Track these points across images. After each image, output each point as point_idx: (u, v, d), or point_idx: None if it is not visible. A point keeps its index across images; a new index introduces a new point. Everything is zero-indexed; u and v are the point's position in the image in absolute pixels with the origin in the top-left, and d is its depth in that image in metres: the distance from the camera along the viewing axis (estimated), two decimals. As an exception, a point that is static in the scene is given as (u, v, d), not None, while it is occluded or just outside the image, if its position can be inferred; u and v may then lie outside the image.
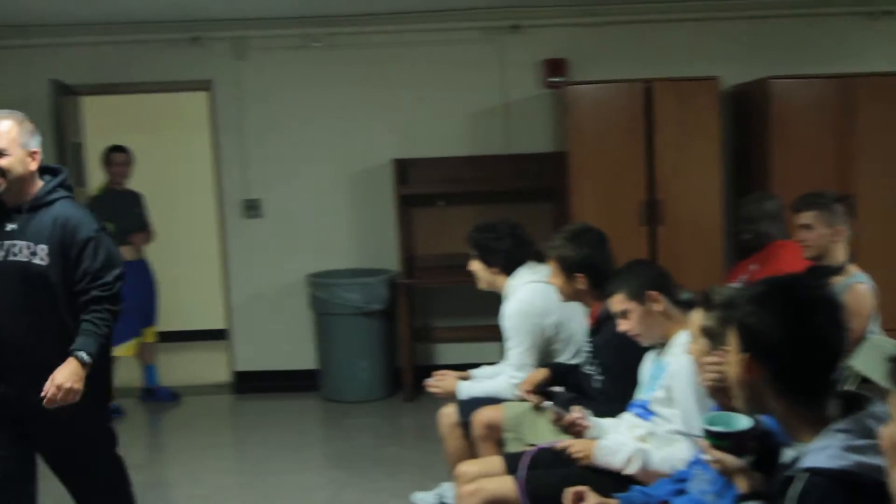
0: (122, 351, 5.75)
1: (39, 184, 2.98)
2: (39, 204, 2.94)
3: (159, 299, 6.08)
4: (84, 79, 5.95)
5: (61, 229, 2.90)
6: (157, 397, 6.06)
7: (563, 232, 3.35)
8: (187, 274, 7.45)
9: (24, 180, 2.91)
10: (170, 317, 6.66)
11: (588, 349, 3.24)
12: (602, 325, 3.10)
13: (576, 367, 3.44)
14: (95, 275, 2.91)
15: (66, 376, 2.85)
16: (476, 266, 3.73)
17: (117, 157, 5.85)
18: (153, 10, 5.59)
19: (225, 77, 6.05)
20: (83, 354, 2.87)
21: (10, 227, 2.91)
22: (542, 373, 3.44)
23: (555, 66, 5.93)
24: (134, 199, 5.94)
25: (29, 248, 2.88)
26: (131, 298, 5.70)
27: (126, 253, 5.72)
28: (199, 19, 5.88)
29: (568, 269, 3.22)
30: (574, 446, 2.71)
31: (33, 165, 2.94)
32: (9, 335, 2.90)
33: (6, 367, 2.94)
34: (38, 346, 2.91)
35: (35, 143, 2.96)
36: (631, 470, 2.59)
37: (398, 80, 6.05)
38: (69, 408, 2.87)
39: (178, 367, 6.78)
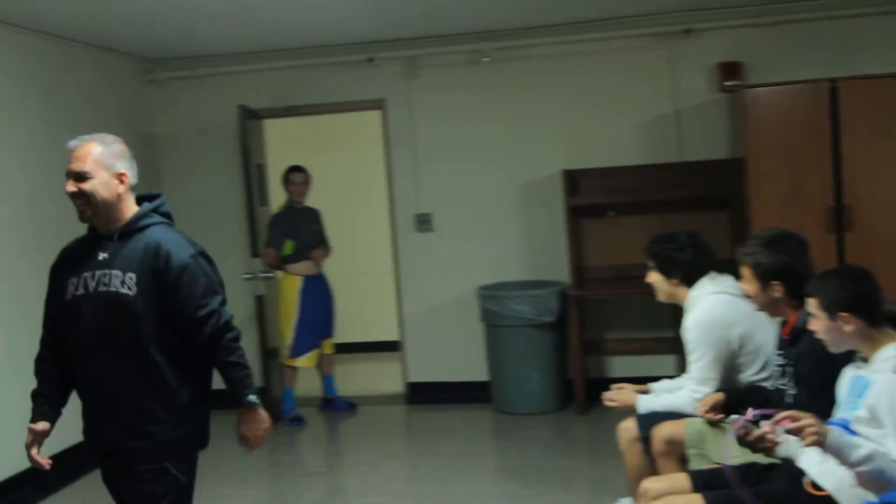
0: (303, 362, 6.02)
1: (134, 209, 2.77)
2: (131, 230, 2.72)
3: (336, 312, 6.32)
4: (266, 102, 6.29)
5: (153, 256, 2.66)
6: (335, 407, 6.29)
7: (759, 237, 3.15)
8: (363, 287, 7.71)
9: (111, 205, 2.70)
10: (346, 329, 6.90)
11: (780, 362, 3.08)
12: (799, 336, 2.93)
13: (754, 388, 3.29)
14: (199, 303, 2.65)
15: (249, 428, 2.74)
16: (655, 278, 3.62)
17: (296, 176, 6.13)
18: (330, 35, 5.85)
19: (397, 95, 6.24)
20: (251, 398, 2.72)
21: (101, 256, 2.70)
22: (718, 396, 3.29)
23: (730, 70, 5.72)
24: (313, 216, 6.20)
25: (118, 276, 2.66)
26: (312, 312, 6.01)
27: (306, 268, 6.02)
28: (373, 41, 6.10)
29: (763, 276, 3.04)
30: (810, 425, 2.38)
31: (121, 188, 2.71)
32: (96, 372, 2.69)
33: (95, 408, 2.75)
34: (125, 383, 2.66)
35: (123, 166, 2.73)
36: (863, 468, 2.37)
37: (567, 91, 6.04)
38: (149, 458, 2.67)
39: (355, 378, 7.03)
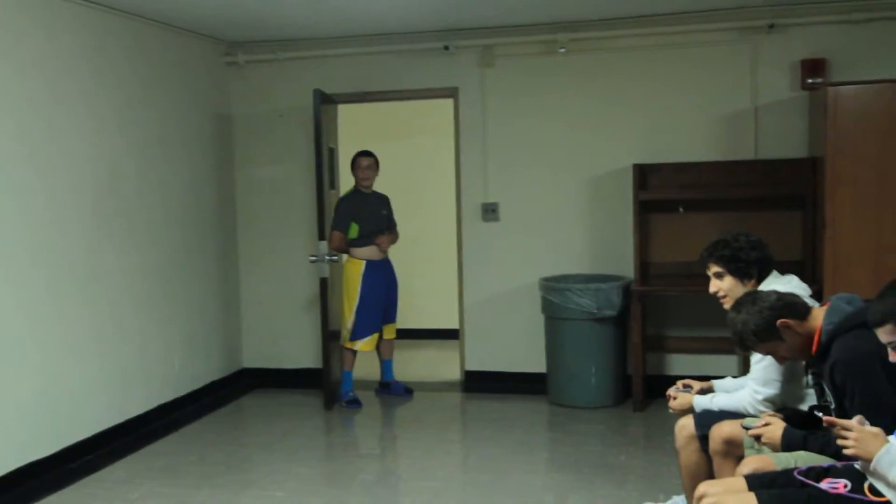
0: (362, 346, 6.06)
1: None
2: None
3: (399, 298, 6.34)
4: (341, 88, 6.33)
5: None
6: (392, 391, 6.32)
7: None
8: (426, 274, 7.75)
9: None
10: (407, 315, 6.92)
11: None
12: (827, 348, 2.81)
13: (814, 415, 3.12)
14: None
15: None
16: (728, 283, 3.47)
17: (363, 160, 6.15)
18: (407, 22, 5.86)
19: (470, 84, 6.22)
20: None
21: None
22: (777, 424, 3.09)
23: (813, 67, 5.55)
24: (381, 201, 6.23)
25: None
26: (373, 296, 6.05)
27: (370, 252, 6.06)
28: (449, 29, 6.09)
29: None
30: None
31: None
32: None
33: None
34: None
35: None
36: None
37: (643, 84, 5.94)
38: None
39: (413, 364, 7.06)
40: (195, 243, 6.09)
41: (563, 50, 5.96)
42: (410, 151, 7.91)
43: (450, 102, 6.38)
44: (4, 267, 4.40)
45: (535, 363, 6.10)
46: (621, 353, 5.80)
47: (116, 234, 5.26)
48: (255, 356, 6.70)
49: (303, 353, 6.57)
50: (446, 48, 6.14)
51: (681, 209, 5.78)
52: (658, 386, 5.58)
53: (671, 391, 3.67)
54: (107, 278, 5.18)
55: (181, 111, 5.96)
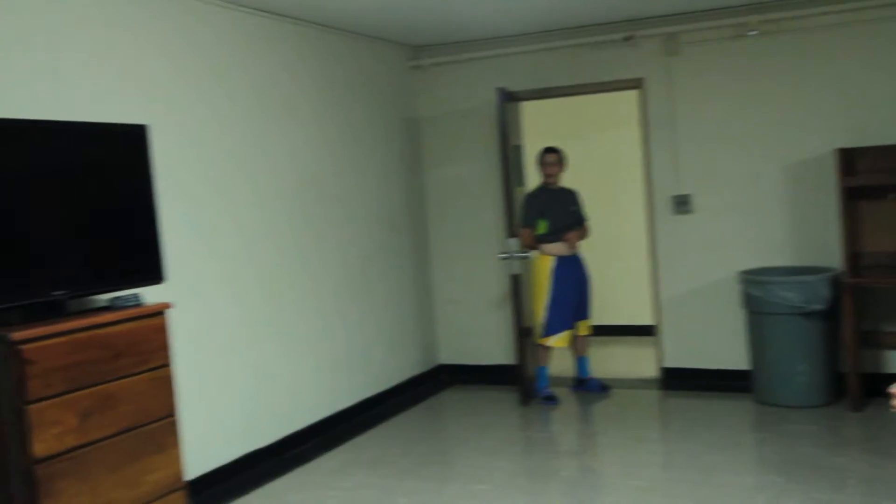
0: (555, 342, 6.08)
1: None
2: None
3: (593, 294, 6.32)
4: (523, 85, 6.38)
5: None
6: (588, 388, 6.31)
7: None
8: (618, 270, 7.67)
9: None
10: (602, 311, 6.88)
11: None
12: None
13: None
14: None
15: None
16: None
17: (548, 157, 6.18)
18: (588, 14, 5.83)
19: (656, 74, 6.10)
20: None
21: None
22: None
23: None
24: (568, 197, 6.23)
25: None
26: (564, 292, 6.06)
27: (560, 248, 6.07)
28: (632, 19, 6.00)
29: None
30: None
31: None
32: None
33: None
34: None
35: None
36: None
37: (843, 63, 5.61)
38: None
39: (609, 360, 7.02)
40: (390, 242, 6.33)
41: (753, 33, 5.74)
42: (597, 145, 7.85)
43: (634, 94, 6.29)
44: (223, 272, 4.76)
45: (736, 360, 5.91)
46: (832, 350, 5.51)
47: (319, 234, 5.55)
48: (451, 352, 6.88)
49: (497, 350, 6.68)
50: (628, 39, 6.05)
51: (892, 195, 5.42)
52: (876, 384, 5.28)
53: (894, 389, 3.46)
54: (313, 278, 5.48)
55: (372, 116, 6.21)
